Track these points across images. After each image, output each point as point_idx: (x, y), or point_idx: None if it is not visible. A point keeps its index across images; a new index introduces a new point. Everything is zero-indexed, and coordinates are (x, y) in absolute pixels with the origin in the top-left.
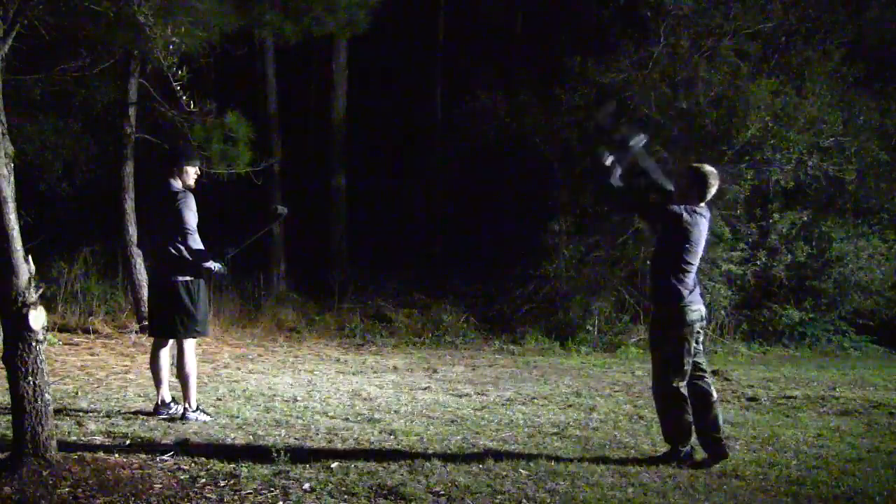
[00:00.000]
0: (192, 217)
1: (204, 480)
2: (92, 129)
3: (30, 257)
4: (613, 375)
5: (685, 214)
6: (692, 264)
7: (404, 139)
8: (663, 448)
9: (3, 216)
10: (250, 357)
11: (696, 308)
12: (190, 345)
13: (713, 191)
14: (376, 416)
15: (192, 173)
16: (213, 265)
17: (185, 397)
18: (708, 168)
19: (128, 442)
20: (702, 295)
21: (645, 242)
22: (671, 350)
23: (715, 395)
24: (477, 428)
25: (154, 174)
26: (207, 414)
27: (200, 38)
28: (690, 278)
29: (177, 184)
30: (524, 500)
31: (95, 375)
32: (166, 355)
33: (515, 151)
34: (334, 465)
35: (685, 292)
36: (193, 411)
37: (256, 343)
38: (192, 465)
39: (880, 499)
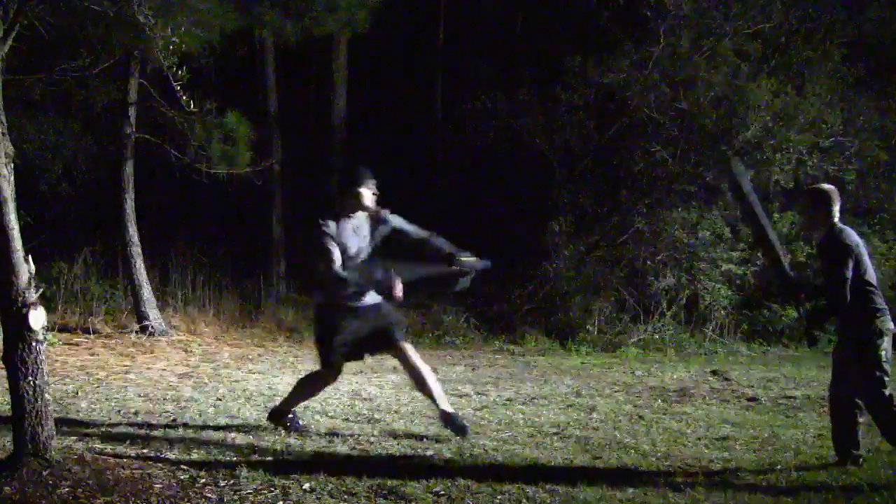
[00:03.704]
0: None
1: (204, 480)
2: (92, 129)
3: (30, 257)
4: (613, 375)
5: (853, 248)
6: (873, 277)
7: (404, 139)
8: (663, 447)
9: (3, 216)
10: (250, 357)
11: (888, 318)
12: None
13: (839, 206)
14: (376, 416)
15: (367, 195)
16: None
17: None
18: (827, 186)
19: (128, 442)
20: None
21: (645, 242)
22: (872, 362)
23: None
24: (477, 428)
25: (154, 174)
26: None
27: (200, 38)
28: (878, 290)
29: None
30: (524, 500)
31: (95, 375)
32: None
33: (515, 151)
34: (334, 465)
35: (879, 302)
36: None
37: (256, 343)
38: (192, 465)
39: (880, 499)
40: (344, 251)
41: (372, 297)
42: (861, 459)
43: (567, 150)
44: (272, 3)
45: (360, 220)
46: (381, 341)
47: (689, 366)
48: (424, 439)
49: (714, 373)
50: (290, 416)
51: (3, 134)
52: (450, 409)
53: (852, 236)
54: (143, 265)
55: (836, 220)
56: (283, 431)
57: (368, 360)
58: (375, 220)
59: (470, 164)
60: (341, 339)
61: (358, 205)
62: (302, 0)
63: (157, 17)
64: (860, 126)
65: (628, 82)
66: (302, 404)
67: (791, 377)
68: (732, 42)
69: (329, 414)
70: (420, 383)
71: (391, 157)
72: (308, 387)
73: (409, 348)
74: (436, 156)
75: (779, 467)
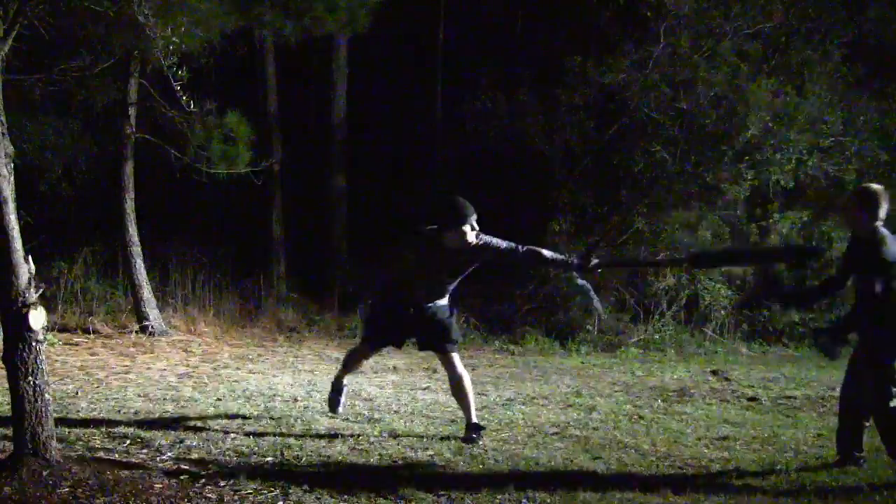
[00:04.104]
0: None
1: (204, 480)
2: (92, 129)
3: (30, 257)
4: (613, 375)
5: (890, 265)
6: None
7: (404, 139)
8: (663, 447)
9: (3, 216)
10: (250, 357)
11: None
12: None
13: (885, 209)
14: (376, 416)
15: (469, 232)
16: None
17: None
18: (876, 186)
19: (128, 442)
20: None
21: (645, 242)
22: (887, 375)
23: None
24: None
25: (154, 174)
26: None
27: (200, 38)
28: None
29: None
30: (524, 500)
31: (95, 375)
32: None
33: (515, 151)
34: (334, 465)
35: None
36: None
37: (256, 343)
38: (192, 465)
39: (880, 498)
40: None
41: (431, 300)
42: (862, 461)
43: (567, 150)
44: (272, 3)
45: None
46: (429, 342)
47: (689, 366)
48: (424, 439)
49: (714, 373)
50: (340, 398)
51: (3, 134)
52: (476, 422)
53: (892, 249)
54: (143, 265)
55: (880, 224)
56: (283, 431)
57: (369, 360)
58: (475, 249)
59: (470, 164)
60: (386, 325)
61: (459, 241)
62: (302, 0)
63: (157, 17)
64: (860, 126)
65: (628, 82)
66: (302, 405)
67: (791, 377)
68: (732, 42)
69: (329, 414)
70: (458, 392)
71: (391, 157)
72: (349, 360)
73: (456, 358)
74: (436, 156)
75: (779, 467)
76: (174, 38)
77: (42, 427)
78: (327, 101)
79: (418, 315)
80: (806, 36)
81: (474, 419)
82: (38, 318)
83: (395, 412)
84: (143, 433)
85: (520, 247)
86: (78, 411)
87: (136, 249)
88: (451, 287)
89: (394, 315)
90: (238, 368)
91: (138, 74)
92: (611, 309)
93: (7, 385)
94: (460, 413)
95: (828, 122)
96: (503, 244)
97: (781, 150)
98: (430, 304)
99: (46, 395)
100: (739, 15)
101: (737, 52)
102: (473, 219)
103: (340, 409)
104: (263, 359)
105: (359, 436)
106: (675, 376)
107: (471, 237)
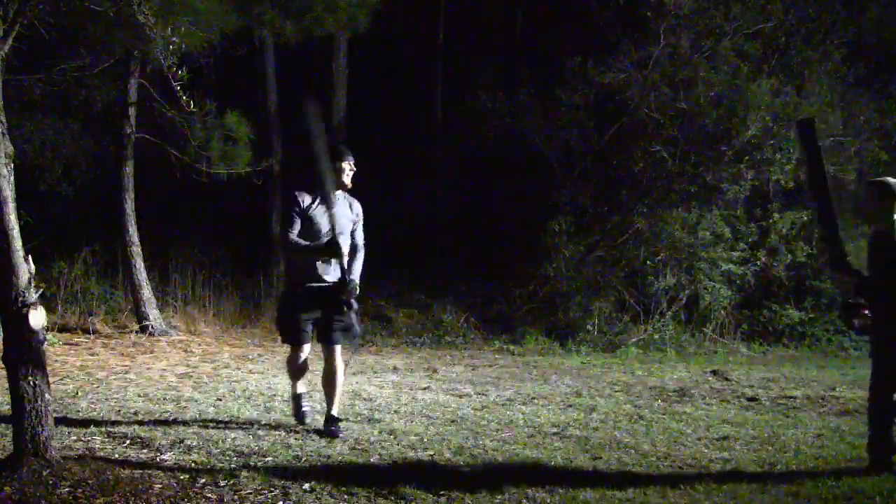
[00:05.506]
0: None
1: (204, 480)
2: (92, 129)
3: (30, 257)
4: (613, 375)
5: None
6: None
7: (404, 139)
8: (663, 447)
9: (3, 216)
10: (250, 357)
11: None
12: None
13: None
14: (376, 416)
15: (345, 172)
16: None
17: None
18: (892, 180)
19: (128, 442)
20: None
21: (645, 242)
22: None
23: None
24: (477, 428)
25: (154, 174)
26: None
27: (200, 38)
28: None
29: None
30: (524, 501)
31: (95, 375)
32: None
33: (515, 151)
34: (334, 465)
35: None
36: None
37: (256, 343)
38: (192, 465)
39: (880, 499)
40: (311, 227)
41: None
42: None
43: (567, 150)
44: (272, 3)
45: (338, 200)
46: (321, 332)
47: (689, 366)
48: (424, 439)
49: (714, 373)
50: (302, 407)
51: (3, 134)
52: (336, 415)
53: None
54: (143, 265)
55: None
56: (283, 431)
57: (369, 360)
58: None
59: (470, 164)
60: (293, 318)
61: (337, 182)
62: (302, 0)
63: (157, 17)
64: (860, 126)
65: (628, 82)
66: (306, 405)
67: (791, 377)
68: (732, 42)
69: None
70: (329, 384)
71: (392, 157)
72: (289, 371)
73: (338, 352)
74: (436, 156)
75: (779, 467)
76: (174, 38)
77: (42, 427)
78: (327, 101)
79: (319, 294)
80: (806, 36)
81: (336, 413)
82: (38, 318)
83: (395, 412)
84: (143, 433)
85: (361, 247)
86: (78, 411)
87: (136, 249)
88: (342, 255)
89: (295, 300)
90: (238, 368)
91: (138, 74)
92: (611, 307)
93: (7, 385)
94: (461, 413)
95: (828, 123)
96: (360, 229)
97: (781, 150)
98: (328, 279)
99: (46, 395)
100: (739, 15)
101: (737, 52)
102: (350, 160)
103: (308, 420)
104: (263, 359)
105: (359, 436)
106: (675, 376)
107: (346, 178)
